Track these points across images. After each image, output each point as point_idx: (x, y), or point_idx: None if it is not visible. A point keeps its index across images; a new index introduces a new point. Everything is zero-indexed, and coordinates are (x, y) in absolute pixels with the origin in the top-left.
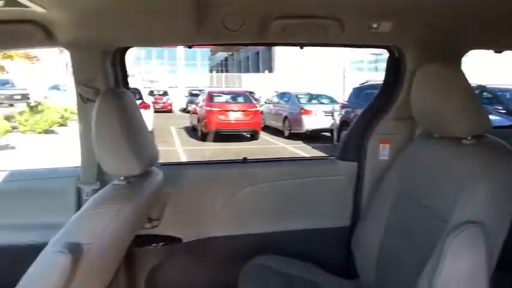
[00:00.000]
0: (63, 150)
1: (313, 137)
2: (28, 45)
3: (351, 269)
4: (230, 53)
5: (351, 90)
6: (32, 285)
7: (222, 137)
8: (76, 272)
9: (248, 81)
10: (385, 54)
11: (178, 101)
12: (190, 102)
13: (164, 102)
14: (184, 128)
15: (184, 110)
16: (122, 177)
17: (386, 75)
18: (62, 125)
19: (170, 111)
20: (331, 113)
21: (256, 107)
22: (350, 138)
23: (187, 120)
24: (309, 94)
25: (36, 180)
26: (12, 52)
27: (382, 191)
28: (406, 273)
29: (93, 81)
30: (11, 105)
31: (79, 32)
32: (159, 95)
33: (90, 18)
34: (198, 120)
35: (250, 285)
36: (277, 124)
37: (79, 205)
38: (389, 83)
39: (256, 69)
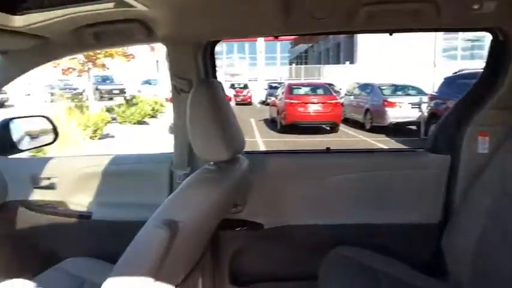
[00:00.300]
0: (153, 138)
1: (397, 131)
2: (131, 42)
3: (439, 268)
4: (310, 44)
5: (442, 80)
6: (135, 255)
7: (301, 129)
8: (172, 246)
9: (328, 73)
10: (483, 39)
11: (257, 93)
12: (270, 94)
13: (244, 95)
14: (263, 120)
15: (264, 103)
16: (211, 163)
17: (488, 60)
18: (152, 117)
19: (250, 103)
20: (419, 105)
21: (336, 99)
22: (443, 129)
23: (266, 113)
24: (393, 85)
25: (135, 164)
26: (112, 50)
27: (479, 187)
28: (503, 278)
29: (186, 73)
30: (111, 98)
31: (175, 28)
32: (240, 88)
33: (186, 14)
34: (277, 113)
35: (333, 275)
36: (358, 117)
37: (171, 187)
38: (492, 68)
39: (337, 61)
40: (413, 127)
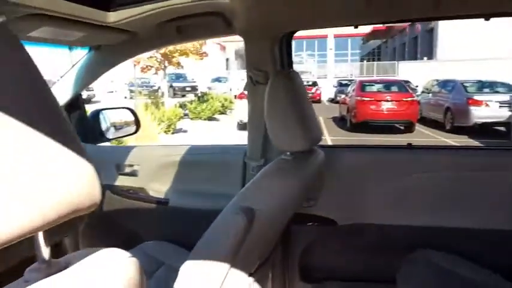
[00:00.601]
0: (222, 134)
1: (482, 132)
2: (210, 35)
3: None
4: (384, 40)
5: None
6: (213, 241)
7: (372, 128)
8: (249, 234)
9: (404, 69)
10: None
11: (327, 91)
12: (339, 92)
13: (313, 93)
14: (332, 118)
15: (333, 101)
16: (288, 153)
17: None
18: (222, 113)
19: (319, 101)
20: (509, 104)
21: (413, 97)
22: None
23: (335, 111)
24: (479, 81)
25: (211, 154)
26: (187, 49)
27: None
28: None
29: (263, 64)
30: (183, 95)
31: (253, 20)
32: (309, 85)
33: (265, 5)
34: (347, 110)
35: (414, 280)
36: (437, 116)
37: (244, 179)
38: None
39: (414, 57)
40: (502, 128)
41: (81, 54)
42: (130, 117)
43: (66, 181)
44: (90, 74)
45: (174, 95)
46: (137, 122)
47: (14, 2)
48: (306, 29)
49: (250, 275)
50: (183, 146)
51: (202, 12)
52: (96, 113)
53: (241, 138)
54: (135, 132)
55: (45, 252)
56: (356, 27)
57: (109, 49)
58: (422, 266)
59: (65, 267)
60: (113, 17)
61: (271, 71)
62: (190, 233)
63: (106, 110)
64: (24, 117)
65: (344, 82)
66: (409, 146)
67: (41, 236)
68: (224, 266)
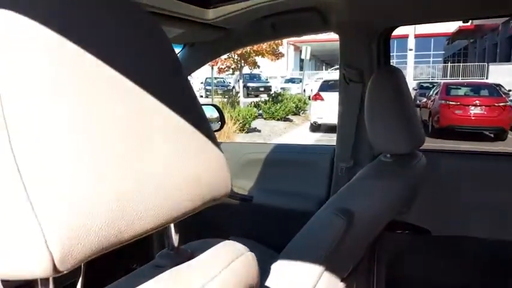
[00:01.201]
0: (295, 134)
1: None
2: (305, 32)
3: None
4: (471, 40)
5: None
6: (308, 242)
7: (456, 134)
8: (346, 237)
9: (495, 72)
10: None
11: None
12: (420, 95)
13: None
14: None
15: None
16: (388, 155)
17: None
18: (295, 114)
19: None
20: None
21: (506, 102)
22: None
23: None
24: None
25: (297, 154)
26: (263, 49)
27: None
28: None
29: (357, 62)
30: (256, 95)
31: (351, 16)
32: None
33: (363, 1)
34: (429, 115)
35: None
36: None
37: (331, 180)
38: None
39: (507, 58)
40: None
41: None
42: (214, 115)
43: (201, 168)
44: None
45: (248, 94)
46: (222, 120)
47: None
48: (408, 25)
49: (342, 280)
50: (269, 144)
51: (298, 8)
52: None
53: (313, 139)
54: (220, 129)
55: (175, 239)
56: (466, 21)
57: (203, 46)
58: None
59: (191, 256)
60: (212, 14)
61: (366, 69)
62: (274, 231)
63: None
64: (165, 99)
65: (426, 85)
66: None
67: (172, 223)
68: (317, 269)
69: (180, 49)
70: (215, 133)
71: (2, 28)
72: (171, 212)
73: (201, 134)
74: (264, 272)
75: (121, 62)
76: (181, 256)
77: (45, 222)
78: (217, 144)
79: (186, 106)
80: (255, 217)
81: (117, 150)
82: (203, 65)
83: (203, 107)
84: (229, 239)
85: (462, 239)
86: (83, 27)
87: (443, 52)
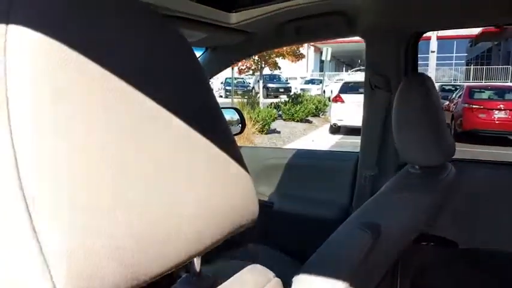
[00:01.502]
0: (315, 136)
1: None
2: (329, 36)
3: None
4: (495, 42)
5: None
6: (333, 256)
7: (479, 138)
8: (373, 252)
9: None
10: None
11: None
12: (443, 98)
13: None
14: None
15: None
16: (416, 166)
17: None
18: (315, 115)
19: None
20: None
21: None
22: None
23: None
24: None
25: (318, 160)
26: (284, 50)
27: None
28: None
29: (384, 68)
30: (276, 96)
31: (378, 20)
32: None
33: (391, 4)
34: (452, 118)
35: None
36: None
37: (353, 187)
38: None
39: None
40: None
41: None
42: (235, 117)
43: (230, 196)
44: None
45: (268, 95)
46: (243, 123)
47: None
48: (437, 30)
49: None
50: (290, 149)
51: (324, 12)
52: None
53: (333, 141)
54: (240, 132)
55: (197, 264)
56: (499, 28)
57: (225, 49)
58: None
59: (215, 284)
60: (235, 18)
61: (393, 76)
62: (294, 239)
63: None
64: (185, 113)
65: (447, 87)
66: None
67: None
68: (341, 285)
69: (202, 52)
70: (235, 137)
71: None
72: (199, 245)
73: (232, 160)
74: (285, 285)
75: (155, 91)
76: (204, 282)
77: (55, 271)
78: (244, 166)
79: (216, 132)
80: (275, 224)
81: (145, 183)
82: (225, 68)
83: (224, 110)
84: (248, 246)
85: (491, 253)
86: (112, 47)
87: (466, 54)
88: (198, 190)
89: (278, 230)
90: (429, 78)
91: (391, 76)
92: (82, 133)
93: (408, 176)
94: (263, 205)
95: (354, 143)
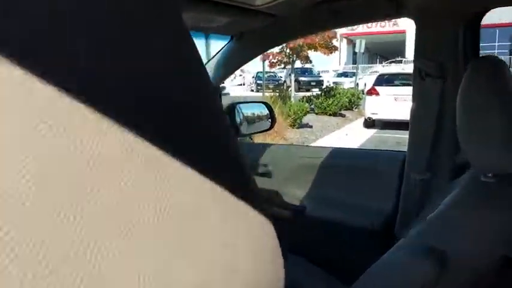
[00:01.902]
0: (349, 131)
1: None
2: (370, 19)
3: None
4: None
5: None
6: (389, 279)
7: None
8: (439, 284)
9: None
10: None
11: None
12: None
13: None
14: None
15: None
16: (489, 174)
17: None
18: (348, 109)
19: None
20: None
21: None
22: None
23: None
24: None
25: (358, 160)
26: (316, 43)
27: None
28: None
29: (437, 53)
30: (308, 90)
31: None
32: None
33: None
34: None
35: None
36: None
37: (399, 192)
38: None
39: None
40: None
41: (219, 46)
42: (264, 112)
43: (245, 257)
44: (230, 65)
45: (299, 89)
46: (273, 118)
47: None
48: (503, 6)
49: None
50: (325, 148)
51: None
52: (232, 107)
53: (368, 135)
54: (270, 128)
55: None
56: None
57: (252, 37)
58: None
59: None
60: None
61: (448, 62)
62: (329, 249)
63: (241, 104)
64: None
65: None
66: None
67: None
68: None
69: (227, 41)
70: (265, 132)
71: None
72: None
73: (256, 212)
74: None
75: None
76: None
77: None
78: (263, 206)
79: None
80: (308, 231)
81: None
82: (252, 58)
83: (254, 104)
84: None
85: None
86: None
87: (509, 43)
88: (218, 261)
89: (311, 238)
90: (503, 63)
91: (447, 62)
92: None
93: (480, 186)
94: (295, 210)
95: (390, 137)
